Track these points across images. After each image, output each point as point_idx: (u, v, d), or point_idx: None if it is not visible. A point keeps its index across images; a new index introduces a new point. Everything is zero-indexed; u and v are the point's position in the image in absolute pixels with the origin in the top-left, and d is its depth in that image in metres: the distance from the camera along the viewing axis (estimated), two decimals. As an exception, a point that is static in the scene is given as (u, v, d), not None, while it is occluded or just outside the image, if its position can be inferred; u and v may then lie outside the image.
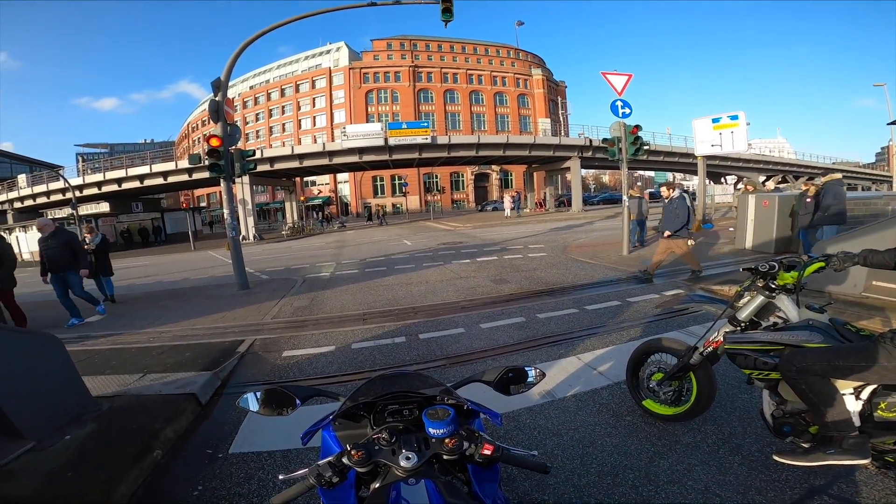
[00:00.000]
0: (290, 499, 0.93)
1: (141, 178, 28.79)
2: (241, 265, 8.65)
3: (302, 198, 40.49)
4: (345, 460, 0.90)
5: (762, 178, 41.29)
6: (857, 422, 1.76)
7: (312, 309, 6.70)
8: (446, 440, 0.93)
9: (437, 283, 8.05)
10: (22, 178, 33.04)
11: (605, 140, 10.21)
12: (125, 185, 29.34)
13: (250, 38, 8.65)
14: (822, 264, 2.14)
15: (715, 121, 11.95)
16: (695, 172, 15.95)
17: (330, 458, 0.91)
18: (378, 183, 54.17)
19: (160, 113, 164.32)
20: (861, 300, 5.03)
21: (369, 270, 10.21)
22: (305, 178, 49.03)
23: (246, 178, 24.46)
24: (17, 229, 24.03)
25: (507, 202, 29.51)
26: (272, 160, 28.70)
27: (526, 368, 1.36)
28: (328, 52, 57.09)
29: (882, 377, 1.68)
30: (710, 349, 2.40)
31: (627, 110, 9.33)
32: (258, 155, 27.13)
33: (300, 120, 56.39)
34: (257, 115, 59.33)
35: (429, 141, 28.83)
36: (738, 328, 2.26)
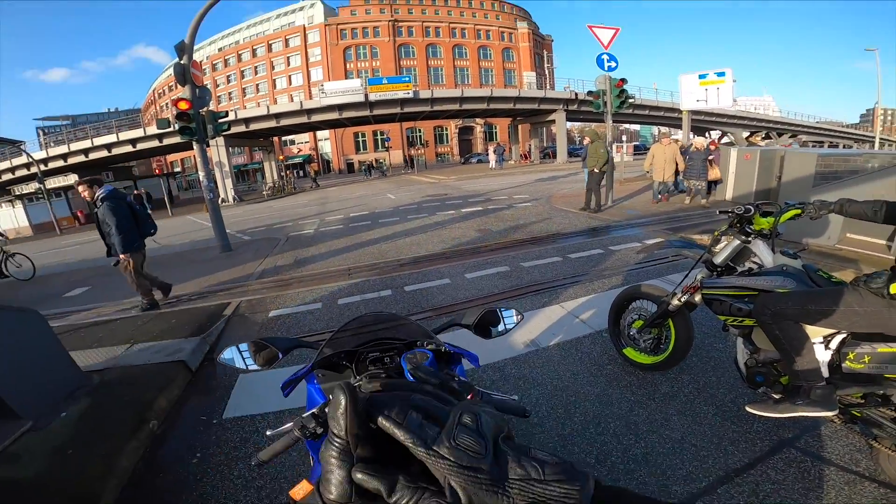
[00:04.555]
0: (277, 453, 0.91)
1: (108, 146, 27.40)
2: (222, 227, 8.47)
3: (281, 157, 39.16)
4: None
5: (745, 134, 41.47)
6: (825, 372, 1.77)
7: (297, 266, 6.64)
8: None
9: (421, 234, 8.02)
10: (-18, 157, 30.77)
11: (590, 93, 10.13)
12: (92, 156, 27.88)
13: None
14: (798, 211, 2.10)
15: (702, 77, 11.81)
16: (679, 126, 15.89)
17: (314, 410, 0.88)
18: (360, 139, 52.90)
19: (120, 81, 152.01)
20: (835, 252, 5.06)
21: (353, 225, 10.11)
22: (284, 138, 47.36)
23: (221, 141, 23.48)
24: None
25: (492, 154, 29.15)
26: (247, 121, 27.45)
27: (504, 311, 1.33)
28: (301, 8, 53.70)
29: (852, 323, 1.67)
30: (687, 295, 2.39)
31: (613, 64, 9.30)
32: (232, 116, 25.94)
33: (275, 80, 54.08)
34: (228, 77, 56.67)
35: (411, 96, 27.93)
36: (715, 273, 2.25)
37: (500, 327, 1.32)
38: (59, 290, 6.92)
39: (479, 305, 4.28)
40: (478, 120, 51.81)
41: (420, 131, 52.27)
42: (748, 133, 42.13)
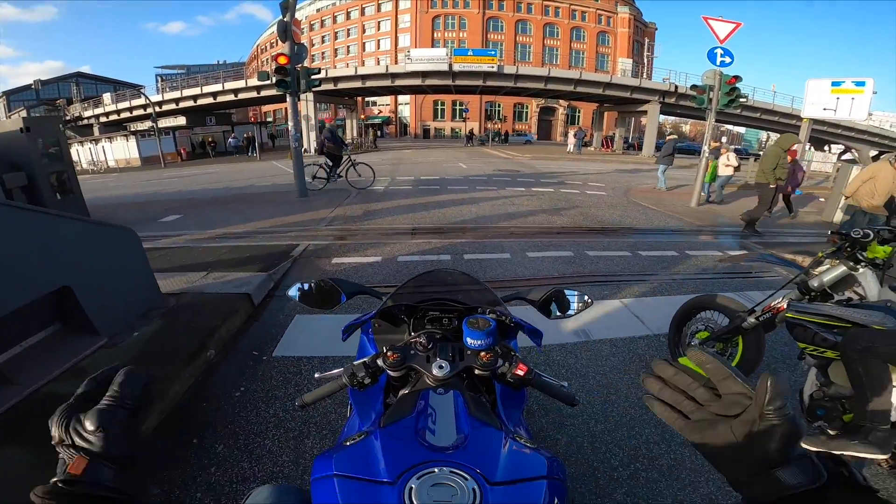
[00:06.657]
0: (321, 397, 0.93)
1: (214, 94, 30.42)
2: (302, 174, 9.06)
3: (362, 116, 40.63)
4: (379, 362, 0.88)
5: (873, 153, 36.13)
6: (894, 416, 1.68)
7: (364, 219, 6.88)
8: (482, 353, 0.88)
9: (489, 206, 7.96)
10: (107, 96, 35.93)
11: (693, 87, 9.27)
12: (200, 101, 31.21)
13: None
14: None
15: (836, 84, 10.55)
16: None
17: (365, 359, 0.90)
18: (439, 107, 53.29)
19: (229, 34, 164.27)
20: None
21: (423, 187, 10.28)
22: (367, 98, 49.16)
23: (310, 96, 24.61)
24: (103, 140, 26.03)
25: (571, 137, 28.05)
26: (336, 80, 28.63)
27: (573, 293, 1.28)
28: (397, -26, 53.99)
29: None
30: (768, 314, 2.20)
31: (727, 59, 8.48)
32: (323, 74, 27.10)
33: (364, 43, 55.66)
34: (323, 37, 59.37)
35: (495, 70, 27.43)
36: (807, 297, 2.08)
37: (564, 310, 1.28)
38: (156, 216, 7.65)
39: (539, 286, 4.13)
40: (562, 102, 49.71)
41: (500, 106, 51.62)
42: (876, 152, 36.66)
